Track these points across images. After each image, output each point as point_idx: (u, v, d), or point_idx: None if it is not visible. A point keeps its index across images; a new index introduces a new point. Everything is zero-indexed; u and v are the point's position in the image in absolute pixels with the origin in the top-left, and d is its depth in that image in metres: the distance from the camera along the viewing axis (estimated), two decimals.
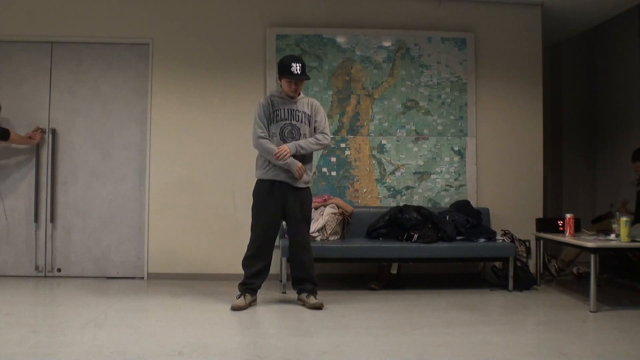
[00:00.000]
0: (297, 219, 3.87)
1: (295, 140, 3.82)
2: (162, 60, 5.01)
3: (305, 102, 3.92)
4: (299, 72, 3.79)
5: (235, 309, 3.75)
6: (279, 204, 3.84)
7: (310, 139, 3.86)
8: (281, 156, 3.72)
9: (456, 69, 5.18)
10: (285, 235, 4.31)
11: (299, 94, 3.94)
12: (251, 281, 3.88)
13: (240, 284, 3.91)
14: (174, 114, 5.00)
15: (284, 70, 3.83)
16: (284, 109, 3.86)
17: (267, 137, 3.82)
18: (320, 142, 3.88)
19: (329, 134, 3.95)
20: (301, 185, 3.86)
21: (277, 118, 3.85)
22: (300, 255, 3.91)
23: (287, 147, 3.76)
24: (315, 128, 3.92)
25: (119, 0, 5.00)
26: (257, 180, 3.91)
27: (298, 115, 3.86)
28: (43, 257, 4.94)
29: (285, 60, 3.86)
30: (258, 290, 3.95)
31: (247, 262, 3.90)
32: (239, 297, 3.83)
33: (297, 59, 3.86)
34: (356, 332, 3.31)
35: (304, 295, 3.91)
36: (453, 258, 4.59)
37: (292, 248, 3.96)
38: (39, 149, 4.95)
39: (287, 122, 3.84)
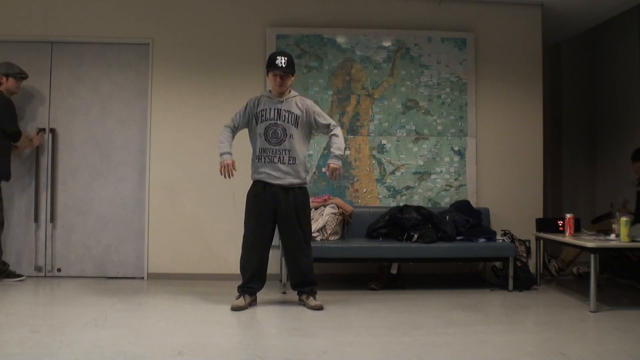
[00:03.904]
0: (290, 222, 3.80)
1: (280, 141, 3.75)
2: (162, 60, 5.01)
3: (294, 102, 3.84)
4: (283, 65, 3.74)
5: (235, 309, 3.75)
6: (270, 206, 3.79)
7: (336, 142, 3.81)
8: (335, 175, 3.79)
9: (456, 69, 5.18)
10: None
11: (289, 91, 3.88)
12: (250, 285, 3.87)
13: (239, 286, 3.90)
14: (174, 114, 5.00)
15: (269, 63, 3.79)
16: (271, 109, 3.80)
17: (232, 130, 3.86)
18: (339, 136, 3.85)
19: (333, 121, 3.90)
20: (294, 185, 3.81)
21: (263, 118, 3.79)
22: (295, 259, 3.86)
23: (338, 166, 3.77)
24: (319, 126, 3.87)
25: (119, 0, 5.01)
26: (252, 182, 3.88)
27: (284, 116, 3.79)
28: (43, 257, 4.94)
29: (272, 54, 3.84)
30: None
31: (243, 267, 3.87)
32: (239, 298, 3.83)
33: (284, 53, 3.82)
34: (356, 332, 3.31)
35: (303, 297, 3.91)
36: (453, 258, 4.58)
37: (287, 252, 3.91)
38: (39, 149, 4.95)
39: (272, 122, 3.78)
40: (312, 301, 3.84)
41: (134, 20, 5.01)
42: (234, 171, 3.80)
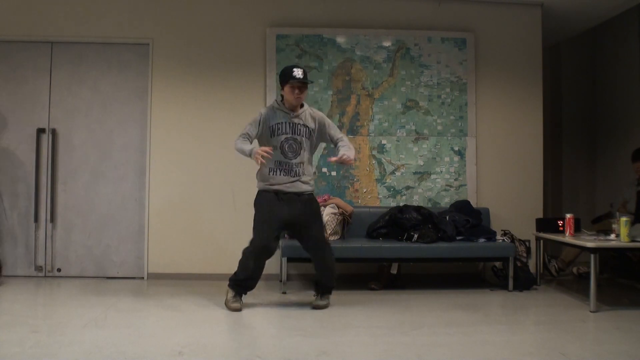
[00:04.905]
0: (310, 221, 3.81)
1: (296, 155, 3.75)
2: (162, 60, 5.01)
3: (307, 115, 3.84)
4: (301, 77, 3.71)
5: (234, 309, 3.74)
6: (284, 211, 3.75)
7: (347, 144, 3.83)
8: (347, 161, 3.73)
9: (456, 69, 5.18)
10: (286, 236, 4.30)
11: (302, 105, 3.86)
12: (249, 283, 3.83)
13: (239, 285, 3.81)
14: (174, 114, 5.00)
15: (286, 75, 3.74)
16: (286, 123, 3.78)
17: (249, 139, 3.75)
18: (349, 144, 3.88)
19: (343, 135, 3.95)
20: (305, 189, 3.80)
21: (278, 131, 3.77)
22: (321, 254, 3.85)
23: (351, 157, 3.74)
24: (331, 138, 3.88)
25: (119, 0, 5.01)
26: (260, 191, 3.84)
27: (299, 130, 3.79)
28: (43, 257, 4.94)
29: (286, 68, 3.81)
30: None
31: (255, 270, 3.78)
32: (237, 299, 3.79)
33: (298, 66, 3.85)
34: (356, 332, 3.32)
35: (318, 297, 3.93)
36: (453, 258, 4.59)
37: (313, 249, 3.86)
38: (39, 149, 4.94)
39: (289, 136, 3.77)
40: (317, 301, 3.87)
41: (134, 20, 5.01)
42: (267, 153, 3.62)
